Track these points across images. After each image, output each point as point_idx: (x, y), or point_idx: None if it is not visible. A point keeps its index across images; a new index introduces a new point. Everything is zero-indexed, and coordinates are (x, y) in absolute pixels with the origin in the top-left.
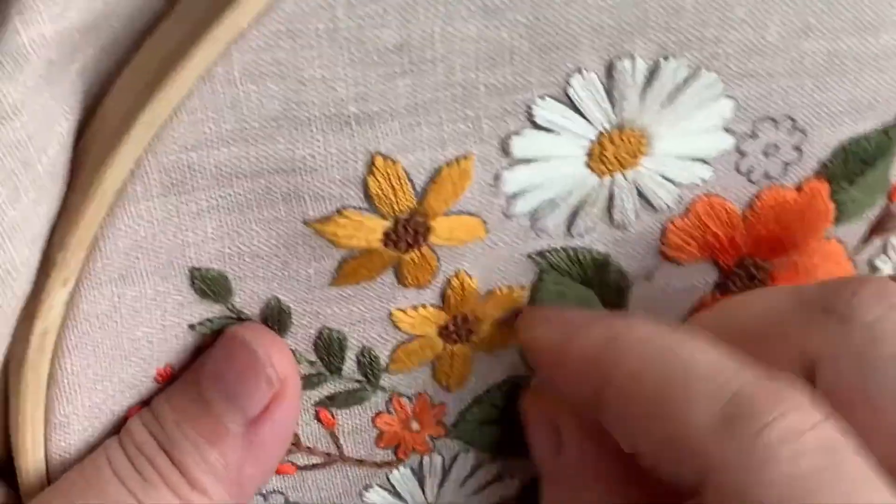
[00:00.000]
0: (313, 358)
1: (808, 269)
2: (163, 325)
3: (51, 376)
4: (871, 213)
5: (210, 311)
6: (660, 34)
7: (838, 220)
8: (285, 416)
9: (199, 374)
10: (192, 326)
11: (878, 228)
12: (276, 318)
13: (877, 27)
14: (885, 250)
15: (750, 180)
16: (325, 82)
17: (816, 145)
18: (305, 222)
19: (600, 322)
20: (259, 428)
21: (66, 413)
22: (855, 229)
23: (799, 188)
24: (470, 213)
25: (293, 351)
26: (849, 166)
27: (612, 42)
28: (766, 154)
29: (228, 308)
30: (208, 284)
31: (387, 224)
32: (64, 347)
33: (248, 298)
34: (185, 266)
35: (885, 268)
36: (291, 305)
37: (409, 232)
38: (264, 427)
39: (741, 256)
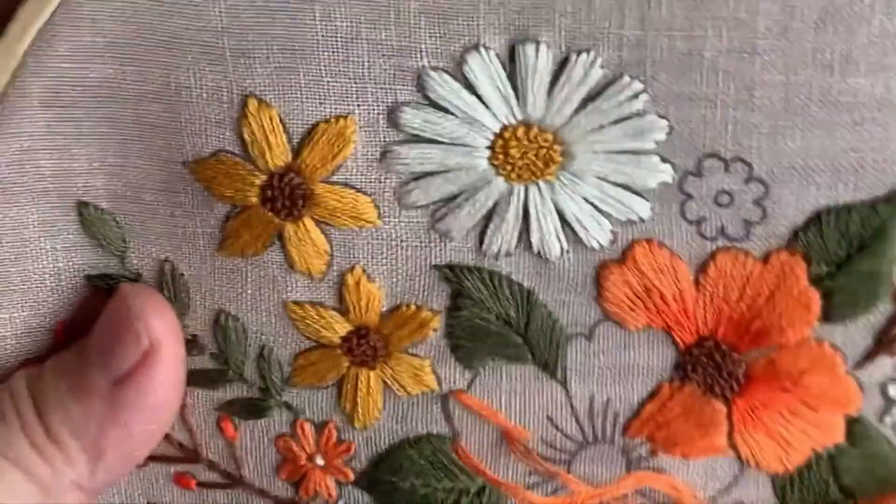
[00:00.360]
0: (214, 348)
1: (793, 373)
2: (56, 268)
3: None
4: (874, 319)
5: (106, 264)
6: (568, 21)
7: (827, 316)
8: (154, 384)
9: (89, 333)
10: (89, 278)
11: (885, 342)
12: (172, 286)
13: (843, 67)
14: None
15: (701, 234)
16: (199, 7)
17: (784, 206)
18: (184, 163)
19: None
20: (124, 389)
21: None
22: (852, 335)
23: (766, 258)
24: (357, 189)
25: (195, 336)
26: (829, 243)
27: (515, 22)
28: (718, 203)
29: (125, 265)
30: (98, 227)
31: (262, 177)
32: None
33: (142, 258)
34: (72, 197)
35: None
36: (185, 273)
37: (285, 190)
38: (129, 389)
39: (701, 335)
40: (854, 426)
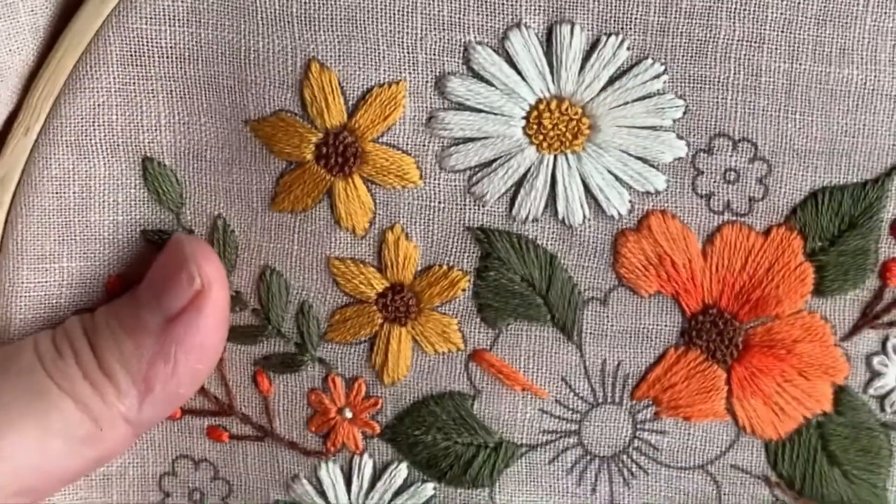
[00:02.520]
0: (256, 304)
1: (787, 342)
2: (115, 220)
3: (3, 235)
4: (861, 294)
5: (162, 220)
6: (600, 5)
7: (819, 289)
8: (203, 324)
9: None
10: (144, 233)
11: (871, 318)
12: (222, 242)
13: (839, 58)
14: (884, 349)
15: (710, 208)
16: None
17: (784, 185)
18: (246, 121)
19: None
20: (175, 326)
21: (13, 280)
22: (841, 308)
23: (767, 232)
24: (403, 150)
25: (238, 293)
26: (822, 220)
27: (554, 3)
28: (726, 179)
29: (180, 221)
30: (160, 182)
31: (318, 135)
32: (20, 205)
33: (196, 214)
34: (138, 152)
35: (886, 371)
36: (236, 230)
37: (339, 148)
38: (179, 327)
39: (706, 303)
40: (841, 395)
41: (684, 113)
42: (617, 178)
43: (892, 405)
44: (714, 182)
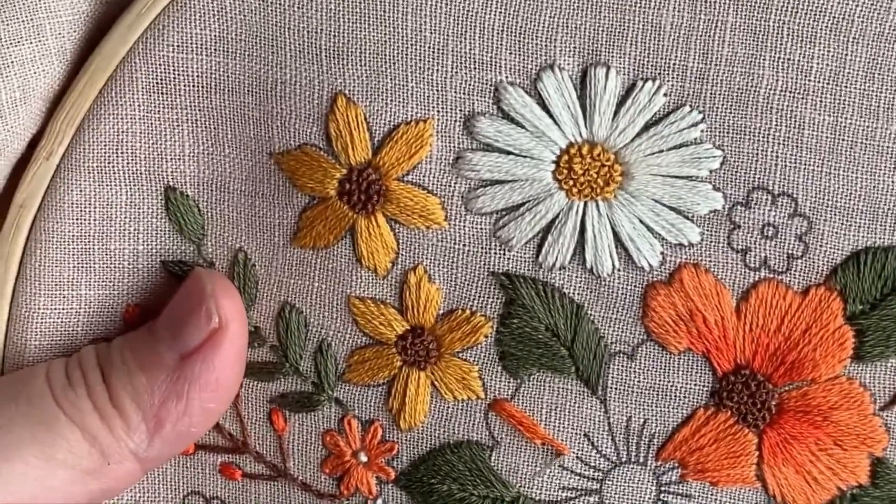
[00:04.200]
0: (274, 340)
1: (823, 408)
2: (135, 249)
3: (24, 257)
4: None
5: (183, 251)
6: (637, 49)
7: (858, 354)
8: (220, 362)
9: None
10: (164, 263)
11: None
12: (242, 276)
13: (887, 114)
14: None
15: (746, 264)
16: (304, 9)
17: (825, 243)
18: (271, 154)
19: None
20: (190, 364)
21: (29, 305)
22: (882, 375)
23: (805, 292)
24: (428, 190)
25: (257, 328)
26: (865, 282)
27: (589, 46)
28: (763, 235)
29: (200, 253)
30: (182, 213)
31: (342, 171)
32: (40, 230)
33: (217, 246)
34: (161, 181)
35: None
36: (257, 264)
37: (362, 185)
38: (195, 364)
39: (738, 363)
40: (878, 467)
41: (722, 164)
42: (649, 228)
43: None
44: (751, 237)
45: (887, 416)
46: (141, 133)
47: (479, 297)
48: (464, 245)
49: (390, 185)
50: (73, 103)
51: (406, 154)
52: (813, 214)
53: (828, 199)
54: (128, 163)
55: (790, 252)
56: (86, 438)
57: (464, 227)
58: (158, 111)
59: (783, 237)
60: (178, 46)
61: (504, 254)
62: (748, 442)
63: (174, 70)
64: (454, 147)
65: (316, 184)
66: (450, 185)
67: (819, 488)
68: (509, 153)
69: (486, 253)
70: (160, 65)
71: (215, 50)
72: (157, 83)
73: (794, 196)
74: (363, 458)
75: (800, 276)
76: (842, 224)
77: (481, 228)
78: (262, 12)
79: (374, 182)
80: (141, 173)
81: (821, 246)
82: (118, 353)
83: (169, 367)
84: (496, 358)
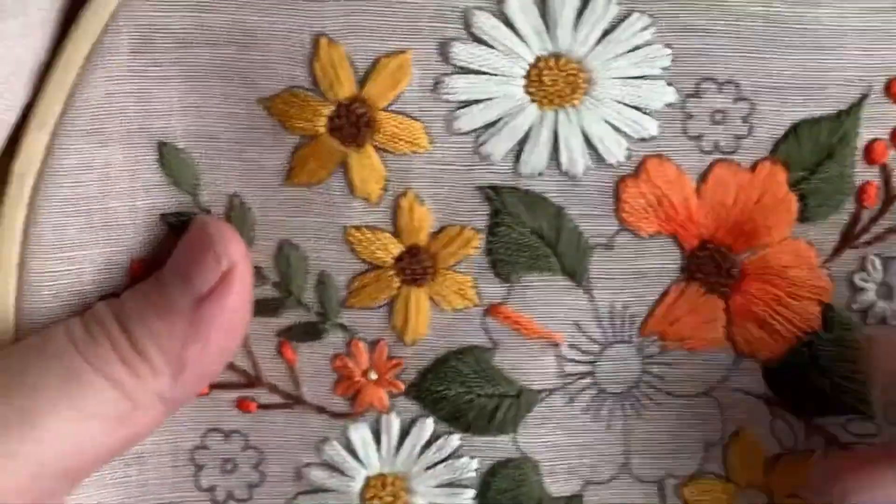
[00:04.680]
0: (275, 276)
1: (778, 268)
2: (134, 206)
3: (27, 225)
4: (839, 218)
5: (180, 202)
6: None
7: (803, 216)
8: (232, 302)
9: (165, 264)
10: (164, 216)
11: (850, 237)
12: (240, 219)
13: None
14: (863, 267)
15: (701, 149)
16: None
17: (766, 121)
18: (258, 100)
19: None
20: (205, 307)
21: (36, 270)
22: (823, 233)
23: (754, 168)
24: (412, 117)
25: (258, 268)
26: (804, 152)
27: None
28: (713, 121)
29: (197, 202)
30: (175, 166)
31: (331, 108)
32: (41, 197)
33: (213, 194)
34: (152, 137)
35: (868, 287)
36: (253, 207)
37: (351, 118)
38: (210, 307)
39: (703, 239)
40: (828, 314)
41: (672, 60)
42: (614, 127)
43: (874, 318)
44: (703, 124)
45: (831, 267)
46: (129, 93)
47: (467, 211)
48: (449, 165)
49: (377, 116)
50: (61, 72)
51: (389, 85)
52: (754, 97)
53: (766, 82)
54: (120, 123)
55: (737, 133)
56: (114, 387)
57: (447, 147)
58: (144, 70)
59: (730, 121)
60: (156, 4)
61: (486, 168)
62: (717, 307)
63: (156, 29)
64: (433, 74)
65: (306, 123)
66: (432, 110)
67: (780, 339)
68: (483, 73)
69: (469, 169)
70: (142, 25)
71: (191, 5)
72: (140, 43)
73: (737, 82)
74: (373, 376)
75: (748, 153)
76: (780, 102)
77: (463, 147)
78: None
79: (361, 115)
80: (133, 132)
81: (763, 124)
82: (133, 304)
83: (185, 311)
84: (488, 266)
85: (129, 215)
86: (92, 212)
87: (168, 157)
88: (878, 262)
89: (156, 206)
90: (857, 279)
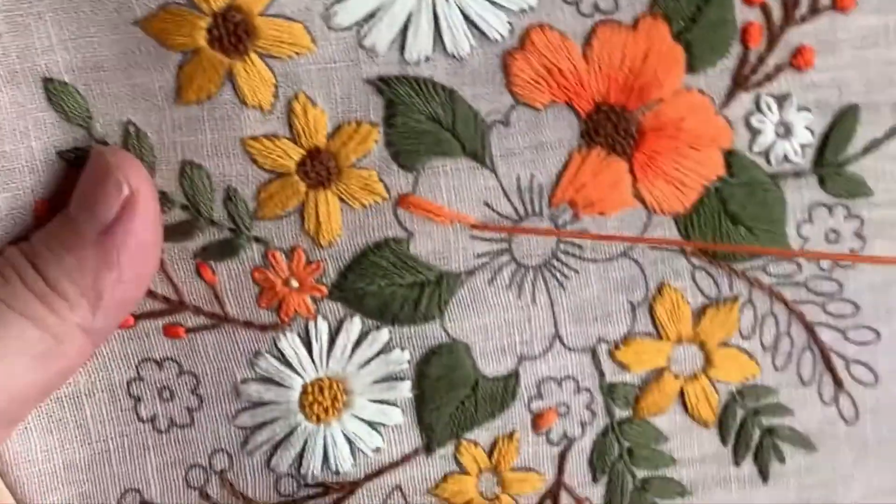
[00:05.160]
0: (183, 200)
1: (675, 121)
2: (30, 147)
3: None
4: (728, 62)
5: (75, 137)
6: None
7: (691, 66)
8: (138, 226)
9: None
10: (60, 154)
11: (741, 80)
12: (137, 146)
13: None
14: (758, 107)
15: (580, 12)
16: None
17: None
18: (135, 22)
19: None
20: (112, 235)
21: None
22: (715, 79)
23: (635, 24)
24: (290, 18)
25: (164, 193)
26: (682, 1)
27: None
28: None
29: (91, 135)
30: (64, 100)
31: (207, 19)
32: None
33: (106, 124)
34: (37, 75)
35: (763, 127)
36: (148, 132)
37: (229, 27)
38: (116, 234)
39: (596, 101)
40: (731, 158)
41: None
42: (492, 2)
43: (776, 157)
44: None
45: (726, 112)
46: (7, 32)
47: (361, 106)
48: (335, 62)
49: (255, 22)
50: None
51: None
52: None
53: None
54: (2, 65)
55: None
56: (35, 325)
57: (331, 45)
58: (20, 9)
59: None
60: None
61: (373, 61)
62: (621, 168)
63: None
64: None
65: (185, 38)
66: (309, 9)
67: (688, 189)
68: None
69: (356, 64)
70: None
71: None
72: None
73: None
74: (294, 284)
75: (627, 11)
76: None
77: (347, 42)
78: None
79: (239, 23)
80: (17, 72)
81: None
82: (41, 243)
83: (93, 241)
84: (390, 158)
85: (25, 157)
86: None
87: (55, 93)
88: (772, 102)
89: (51, 144)
90: (754, 121)
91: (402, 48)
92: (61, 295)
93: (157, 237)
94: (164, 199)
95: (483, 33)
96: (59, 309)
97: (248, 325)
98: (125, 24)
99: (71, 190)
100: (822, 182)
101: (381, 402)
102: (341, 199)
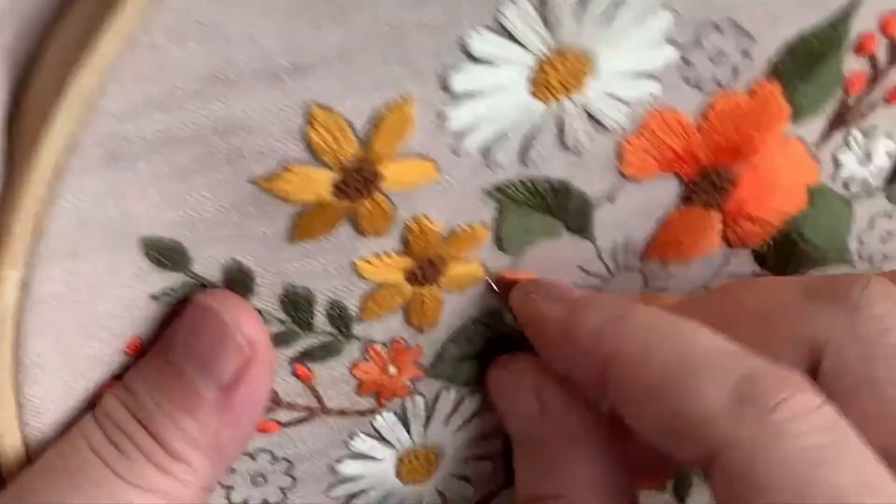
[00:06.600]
0: (282, 316)
1: (771, 170)
2: (122, 298)
3: (15, 361)
4: (828, 108)
5: (170, 280)
6: None
7: (795, 118)
8: (258, 379)
9: (170, 345)
10: (154, 297)
11: (836, 122)
12: (238, 281)
13: None
14: (846, 143)
15: (700, 89)
16: (250, 37)
17: (764, 47)
18: (252, 181)
19: (606, 301)
20: (233, 393)
21: (36, 395)
22: (813, 126)
23: (751, 92)
24: (419, 156)
25: (261, 311)
26: (799, 64)
27: None
28: (713, 62)
29: (189, 275)
30: (162, 253)
31: (335, 175)
32: (24, 332)
33: (207, 264)
34: (135, 237)
35: (849, 160)
36: (252, 267)
37: (359, 180)
38: (238, 392)
39: (702, 167)
40: (813, 192)
41: (673, 20)
42: (617, 97)
43: (856, 184)
44: (703, 68)
45: (818, 151)
46: (106, 207)
47: (476, 211)
48: (457, 181)
49: (385, 170)
50: (24, 206)
51: (395, 137)
52: (752, 29)
53: (764, 12)
54: (98, 236)
55: (735, 66)
56: (156, 496)
57: (455, 169)
58: (118, 180)
59: (730, 57)
60: (124, 116)
61: (494, 173)
62: (714, 219)
63: (127, 139)
64: (435, 108)
65: (310, 194)
66: (437, 142)
67: (768, 226)
68: (488, 92)
69: (476, 176)
70: (110, 139)
71: (166, 105)
72: (110, 156)
73: (735, 19)
74: (393, 371)
75: (745, 80)
76: (775, 27)
77: (473, 163)
78: (205, 54)
79: (369, 173)
80: (112, 237)
81: (759, 50)
82: (147, 398)
83: (212, 401)
84: (497, 248)
85: (118, 308)
86: (82, 321)
87: (153, 249)
88: (859, 136)
89: (145, 292)
90: (840, 155)
91: (524, 157)
92: (182, 461)
93: (273, 377)
94: (263, 317)
95: (602, 125)
96: (181, 476)
97: (343, 413)
98: (238, 182)
99: (161, 326)
100: (889, 198)
101: (476, 458)
102: (446, 290)
